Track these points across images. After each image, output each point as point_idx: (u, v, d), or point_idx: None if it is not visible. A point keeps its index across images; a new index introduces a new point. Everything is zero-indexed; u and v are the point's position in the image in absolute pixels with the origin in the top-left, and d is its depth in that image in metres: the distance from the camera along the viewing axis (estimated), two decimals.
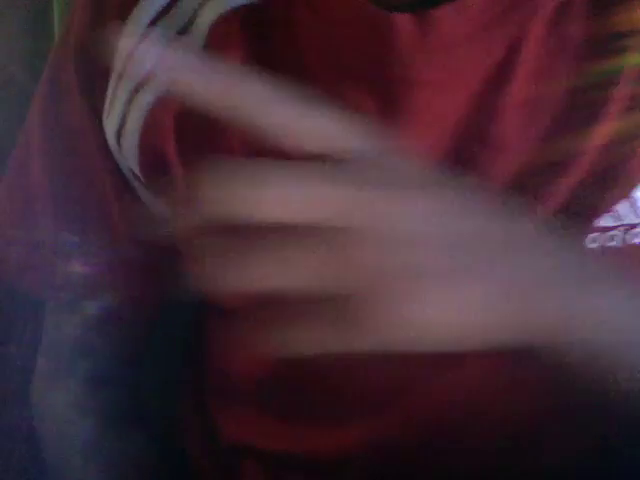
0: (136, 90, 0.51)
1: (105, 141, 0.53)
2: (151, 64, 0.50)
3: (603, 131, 0.46)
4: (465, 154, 0.48)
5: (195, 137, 0.51)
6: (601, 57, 0.46)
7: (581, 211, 0.46)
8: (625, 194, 0.46)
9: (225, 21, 0.50)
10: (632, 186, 0.46)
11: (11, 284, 0.57)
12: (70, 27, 0.55)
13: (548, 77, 0.47)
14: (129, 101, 0.51)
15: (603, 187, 0.46)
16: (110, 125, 0.53)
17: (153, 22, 0.51)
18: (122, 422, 0.60)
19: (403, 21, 0.45)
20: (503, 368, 0.49)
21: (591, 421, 0.51)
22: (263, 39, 0.50)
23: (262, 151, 0.47)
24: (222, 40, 0.50)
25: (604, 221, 0.46)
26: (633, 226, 0.46)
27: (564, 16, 0.46)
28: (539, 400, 0.51)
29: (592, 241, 0.46)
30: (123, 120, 0.52)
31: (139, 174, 0.53)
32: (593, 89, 0.46)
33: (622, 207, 0.46)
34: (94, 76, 0.53)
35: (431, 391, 0.52)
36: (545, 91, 0.47)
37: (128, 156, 0.53)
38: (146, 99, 0.51)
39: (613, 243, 0.46)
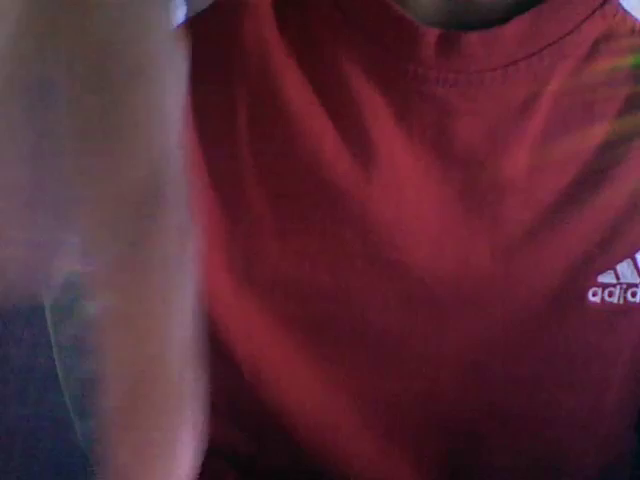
0: None
1: None
2: None
3: (623, 184, 0.47)
4: (471, 190, 0.47)
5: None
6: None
7: (584, 265, 0.48)
8: (628, 254, 0.47)
9: None
10: (635, 247, 0.47)
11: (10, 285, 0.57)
12: None
13: (567, 124, 0.47)
14: None
15: (607, 245, 0.47)
16: None
17: None
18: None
19: (430, 36, 0.45)
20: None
21: None
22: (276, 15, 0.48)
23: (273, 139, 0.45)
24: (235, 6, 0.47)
25: (606, 277, 0.48)
26: (633, 285, 0.48)
27: (599, 53, 0.47)
28: None
29: (593, 295, 0.48)
30: None
31: None
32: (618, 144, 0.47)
33: (621, 266, 0.48)
34: None
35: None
36: (562, 139, 0.47)
37: None
38: None
39: (613, 300, 0.48)
